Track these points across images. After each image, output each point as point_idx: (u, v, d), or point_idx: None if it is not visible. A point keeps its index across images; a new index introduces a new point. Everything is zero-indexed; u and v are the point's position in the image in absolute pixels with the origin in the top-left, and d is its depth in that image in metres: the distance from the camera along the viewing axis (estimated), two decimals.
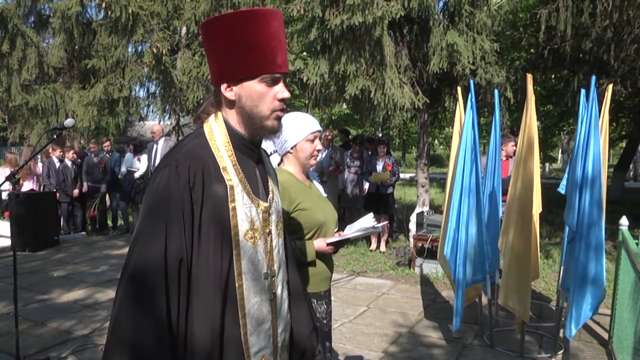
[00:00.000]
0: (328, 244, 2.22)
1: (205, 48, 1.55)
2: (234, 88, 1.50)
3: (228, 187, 1.48)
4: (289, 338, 1.71)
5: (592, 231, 3.51)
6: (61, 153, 9.10)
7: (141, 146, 9.84)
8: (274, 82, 1.50)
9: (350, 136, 10.38)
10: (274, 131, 1.55)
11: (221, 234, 1.46)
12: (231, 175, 1.50)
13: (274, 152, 2.33)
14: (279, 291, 1.62)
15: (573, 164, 3.95)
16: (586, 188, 3.53)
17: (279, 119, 1.54)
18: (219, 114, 1.57)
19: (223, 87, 1.51)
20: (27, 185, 9.13)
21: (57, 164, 9.09)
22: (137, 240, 1.41)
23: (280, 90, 1.51)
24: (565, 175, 4.34)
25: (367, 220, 2.33)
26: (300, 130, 2.25)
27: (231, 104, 1.53)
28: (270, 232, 1.60)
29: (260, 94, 1.49)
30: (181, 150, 1.49)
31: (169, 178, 1.42)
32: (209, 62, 1.56)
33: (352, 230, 2.29)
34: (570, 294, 3.64)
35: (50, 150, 8.95)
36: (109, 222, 10.00)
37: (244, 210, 1.51)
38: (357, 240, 8.33)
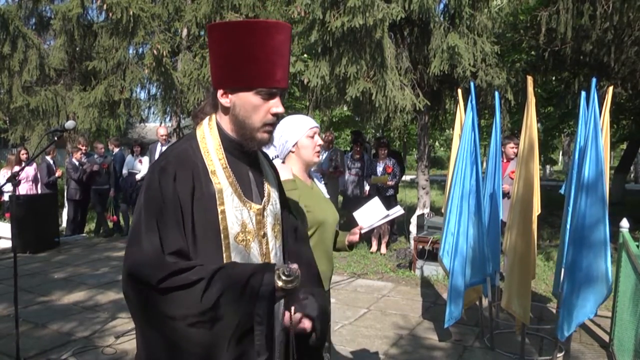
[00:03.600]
0: (361, 233, 2.42)
1: (209, 51, 1.57)
2: (230, 96, 1.52)
3: (216, 190, 1.49)
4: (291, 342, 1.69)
5: (592, 233, 3.49)
6: (55, 155, 9.18)
7: (145, 148, 9.87)
8: (269, 96, 1.50)
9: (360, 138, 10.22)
10: (262, 143, 1.56)
11: (211, 237, 1.48)
12: (220, 179, 1.51)
13: (275, 158, 2.35)
14: None
15: (573, 166, 3.95)
16: (587, 190, 3.52)
17: (269, 132, 1.55)
18: (213, 117, 1.59)
19: (219, 93, 1.53)
20: (24, 188, 9.12)
21: (53, 166, 9.15)
22: (132, 240, 1.44)
23: (275, 105, 1.52)
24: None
25: (376, 205, 2.39)
26: (299, 127, 2.28)
27: (225, 110, 1.54)
28: (265, 235, 1.59)
29: (254, 106, 1.50)
30: (171, 153, 1.52)
31: (159, 177, 1.45)
32: (210, 64, 1.57)
33: (363, 215, 2.37)
34: (564, 294, 3.62)
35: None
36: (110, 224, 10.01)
37: (234, 213, 1.51)
38: (357, 242, 8.31)
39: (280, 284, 1.39)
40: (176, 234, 1.43)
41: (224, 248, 1.49)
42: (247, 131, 1.52)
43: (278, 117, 1.55)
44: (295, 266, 1.44)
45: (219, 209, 1.49)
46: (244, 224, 1.53)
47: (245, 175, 1.59)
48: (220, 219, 1.48)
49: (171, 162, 1.47)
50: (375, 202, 2.49)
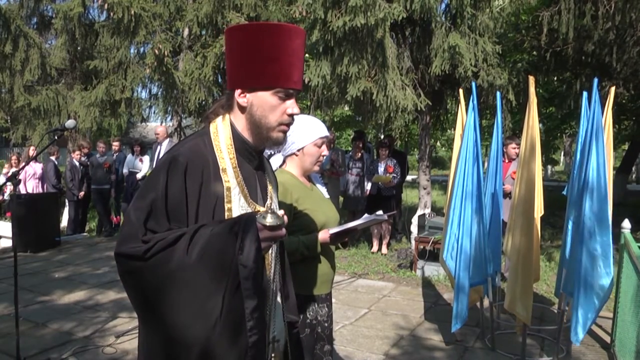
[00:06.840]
0: (331, 234, 2.20)
1: (226, 53, 1.58)
2: (248, 95, 1.54)
3: (225, 188, 1.50)
4: (284, 345, 1.67)
5: (595, 235, 3.48)
6: (59, 155, 9.22)
7: (146, 147, 9.88)
8: (286, 97, 1.54)
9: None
10: (277, 143, 1.59)
11: None
12: (230, 177, 1.52)
13: (276, 153, 2.34)
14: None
15: (575, 167, 3.94)
16: (589, 191, 3.51)
17: (284, 132, 1.58)
18: (227, 116, 1.60)
19: (237, 92, 1.55)
20: (30, 186, 9.15)
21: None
22: (123, 222, 1.48)
23: (291, 106, 1.55)
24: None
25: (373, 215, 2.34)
26: (310, 133, 2.25)
27: (242, 109, 1.57)
28: None
29: (272, 106, 1.53)
30: (184, 146, 1.53)
31: (168, 168, 1.46)
32: (227, 66, 1.59)
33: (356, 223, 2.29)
34: (573, 298, 3.60)
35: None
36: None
37: (240, 212, 1.52)
38: (358, 242, 8.32)
39: (267, 222, 1.38)
40: (167, 221, 1.44)
41: None
42: (263, 130, 1.55)
43: (293, 117, 1.58)
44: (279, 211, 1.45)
45: (226, 206, 1.50)
46: None
47: (252, 177, 1.61)
48: (226, 217, 1.49)
49: (183, 154, 1.49)
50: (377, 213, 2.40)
